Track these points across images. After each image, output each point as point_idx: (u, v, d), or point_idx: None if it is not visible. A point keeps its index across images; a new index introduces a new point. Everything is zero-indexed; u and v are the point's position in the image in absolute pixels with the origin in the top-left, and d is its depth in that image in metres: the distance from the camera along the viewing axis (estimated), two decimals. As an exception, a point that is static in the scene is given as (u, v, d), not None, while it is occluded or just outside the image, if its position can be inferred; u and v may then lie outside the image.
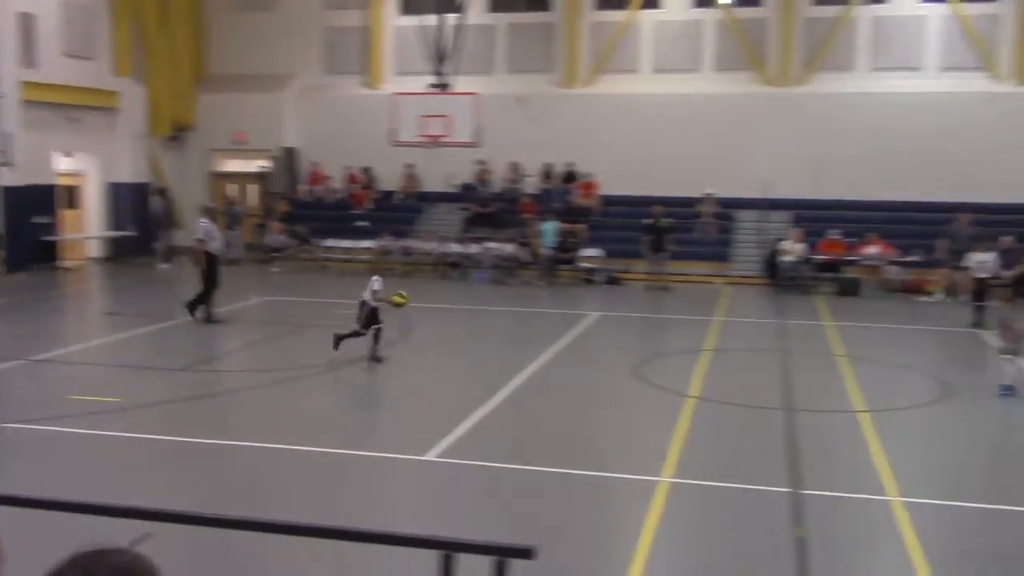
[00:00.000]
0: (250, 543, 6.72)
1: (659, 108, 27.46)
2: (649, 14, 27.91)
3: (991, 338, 13.01)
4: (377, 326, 13.97)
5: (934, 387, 13.19)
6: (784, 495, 8.74)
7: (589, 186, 27.22)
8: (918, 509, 8.49)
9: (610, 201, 27.00)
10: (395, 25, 29.30)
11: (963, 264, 19.63)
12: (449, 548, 3.69)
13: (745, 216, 26.30)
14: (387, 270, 25.62)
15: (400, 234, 26.08)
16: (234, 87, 29.46)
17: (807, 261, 23.07)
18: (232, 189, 30.26)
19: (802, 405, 12.02)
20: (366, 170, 28.97)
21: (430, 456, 9.82)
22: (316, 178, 29.43)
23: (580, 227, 25.61)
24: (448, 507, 8.69)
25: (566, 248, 24.76)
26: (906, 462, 9.97)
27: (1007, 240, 21.22)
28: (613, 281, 24.01)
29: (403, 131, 22.44)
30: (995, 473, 10.11)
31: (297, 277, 24.62)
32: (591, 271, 24.40)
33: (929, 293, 22.11)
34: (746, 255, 25.11)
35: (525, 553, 3.63)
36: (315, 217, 27.80)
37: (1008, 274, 20.95)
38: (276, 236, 26.66)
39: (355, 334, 14.09)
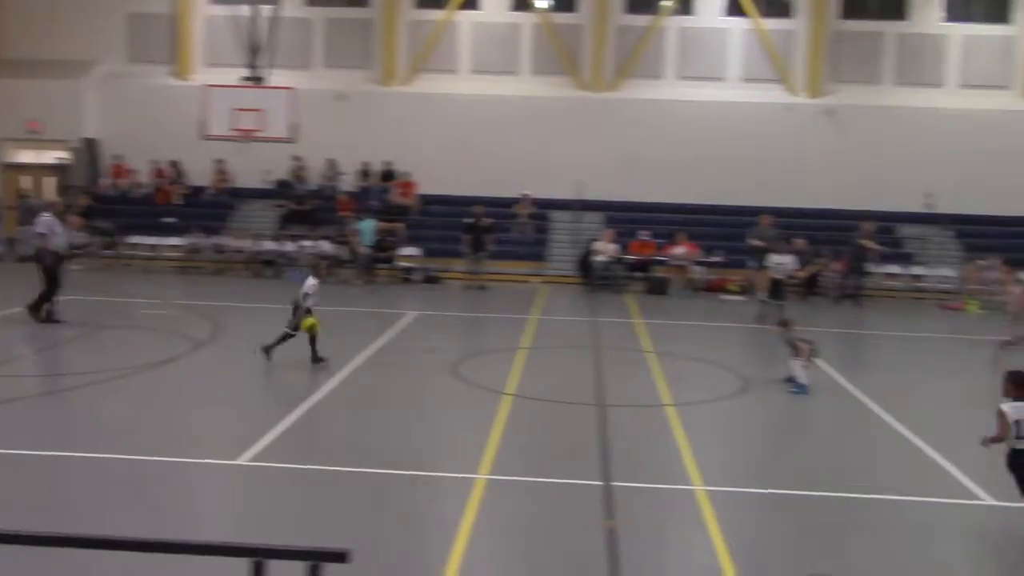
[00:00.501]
0: (41, 560, 6.31)
1: (477, 109, 27.74)
2: (468, 15, 28.14)
3: (781, 335, 13.91)
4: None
5: (735, 381, 13.92)
6: (597, 488, 9.00)
7: (407, 185, 27.16)
8: (720, 496, 8.94)
9: (428, 200, 27.04)
10: (206, 14, 28.28)
11: (764, 264, 20.81)
12: (260, 555, 3.59)
13: (560, 217, 26.94)
14: (197, 269, 24.71)
15: (211, 231, 25.20)
16: (27, 73, 27.61)
17: (619, 261, 23.87)
18: (26, 182, 28.36)
19: (614, 400, 12.42)
20: (174, 164, 27.83)
21: (241, 460, 9.53)
22: (120, 172, 28.02)
23: (398, 226, 25.52)
24: (261, 513, 8.46)
25: (384, 247, 24.61)
26: (709, 453, 10.48)
27: (801, 242, 22.64)
28: (431, 280, 24.06)
29: (214, 124, 21.65)
30: (789, 461, 10.77)
31: (99, 276, 23.35)
32: (409, 270, 24.36)
33: (731, 292, 23.31)
34: (561, 255, 25.73)
35: (339, 557, 3.58)
36: (119, 212, 26.47)
37: (802, 274, 22.38)
38: (75, 232, 25.16)
39: (286, 337, 13.65)
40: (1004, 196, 26.46)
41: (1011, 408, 8.10)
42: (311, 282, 13.84)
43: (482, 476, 9.30)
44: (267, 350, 13.68)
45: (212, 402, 12.22)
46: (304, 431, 10.85)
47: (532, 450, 10.48)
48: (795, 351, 13.47)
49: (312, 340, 13.66)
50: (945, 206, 25.69)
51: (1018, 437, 8.05)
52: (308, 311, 13.63)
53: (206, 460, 9.56)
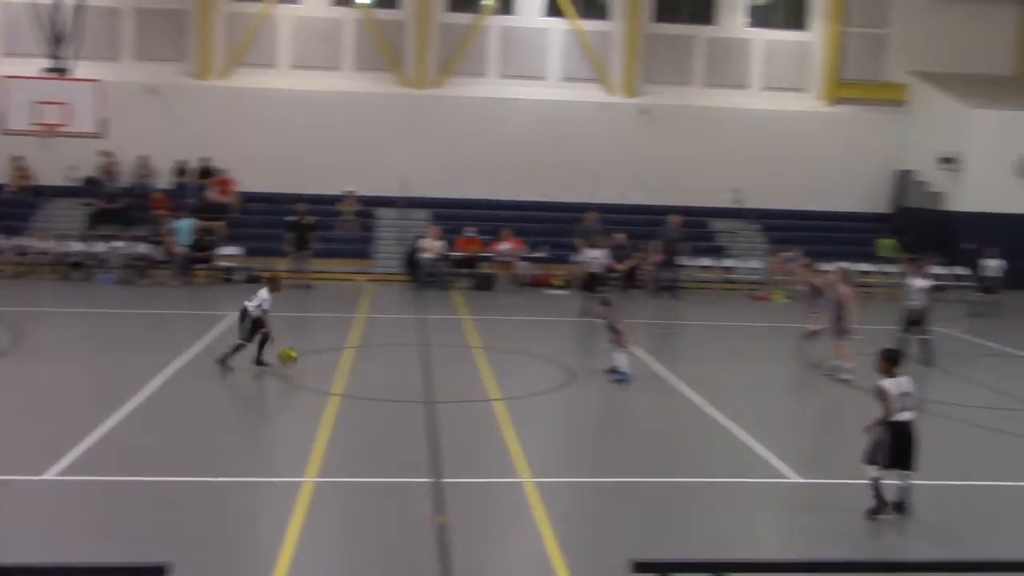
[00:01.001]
0: None
1: (299, 104, 27.18)
2: (287, 8, 27.51)
3: (601, 316, 14.44)
4: (264, 331, 13.60)
5: (560, 373, 14.23)
6: (426, 485, 9.01)
7: (226, 182, 26.31)
8: (548, 488, 9.12)
9: (249, 198, 26.28)
10: (2, 1, 26.44)
11: (581, 259, 21.36)
12: (73, 575, 3.40)
13: (386, 214, 26.76)
14: (-3, 272, 23.15)
15: (11, 232, 23.62)
16: None
17: (445, 258, 23.94)
18: None
19: (442, 397, 12.45)
20: (-32, 160, 25.89)
21: (49, 475, 8.99)
22: (-95, 168, 25.81)
23: (218, 224, 24.68)
24: (72, 529, 8.01)
25: (203, 246, 23.75)
26: (537, 445, 10.67)
27: (620, 237, 23.41)
28: (253, 280, 23.35)
29: (13, 118, 20.26)
30: (613, 449, 11.10)
31: None
32: (230, 270, 23.60)
33: (555, 286, 23.80)
34: (387, 252, 25.56)
35: (157, 571, 3.44)
36: (-95, 212, 24.39)
37: (622, 267, 23.11)
38: None
39: (238, 347, 13.54)
40: (804, 192, 28.18)
41: (891, 384, 8.61)
42: (265, 295, 13.74)
43: (309, 479, 9.13)
44: (221, 361, 13.47)
45: (13, 415, 11.44)
46: (119, 441, 10.34)
47: (361, 450, 10.38)
48: (616, 335, 13.94)
49: (262, 343, 13.65)
50: (752, 201, 27.09)
51: (902, 409, 8.55)
52: (258, 320, 13.57)
53: (9, 477, 8.96)
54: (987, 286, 22.51)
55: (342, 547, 7.92)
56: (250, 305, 13.71)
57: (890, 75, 29.29)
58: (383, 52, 27.80)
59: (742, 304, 23.04)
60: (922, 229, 26.70)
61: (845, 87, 29.03)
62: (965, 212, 26.36)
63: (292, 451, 10.11)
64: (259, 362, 13.68)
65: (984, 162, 26.42)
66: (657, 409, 12.79)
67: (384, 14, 27.79)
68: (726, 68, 28.85)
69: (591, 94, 28.32)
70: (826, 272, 20.33)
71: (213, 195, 25.99)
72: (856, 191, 28.84)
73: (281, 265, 23.52)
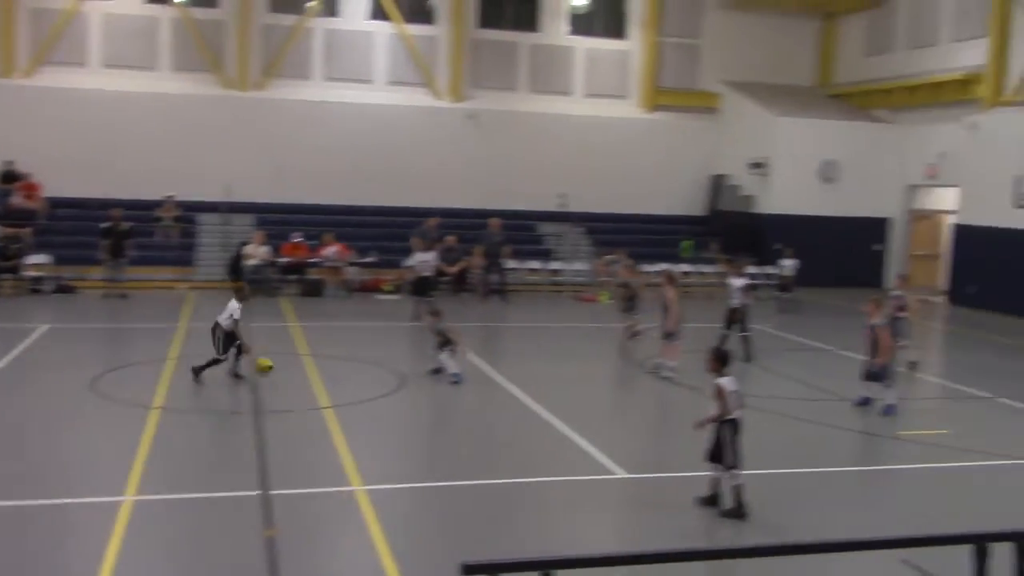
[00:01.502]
0: None
1: (112, 105, 25.92)
2: (97, 5, 26.18)
3: (431, 326, 14.47)
4: (238, 342, 13.54)
5: (391, 378, 14.13)
6: (254, 498, 8.75)
7: (32, 187, 24.77)
8: (380, 495, 9.03)
9: (58, 203, 24.85)
10: None
11: (411, 263, 21.30)
12: None
13: (208, 219, 25.87)
14: None
15: None
16: None
17: (271, 264, 23.34)
18: None
19: (270, 407, 12.13)
20: None
21: None
22: None
23: (24, 231, 23.20)
24: None
25: (8, 255, 22.27)
26: (368, 452, 10.55)
27: (451, 240, 23.48)
28: (64, 290, 22.13)
29: None
30: (445, 453, 11.11)
31: None
32: (38, 279, 22.24)
33: (385, 291, 23.63)
34: (211, 259, 24.70)
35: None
36: None
37: (452, 270, 23.18)
38: None
39: (214, 362, 13.47)
40: (626, 196, 29.11)
41: (727, 382, 8.88)
42: (235, 305, 13.62)
43: (129, 498, 8.70)
44: (196, 373, 13.38)
45: None
46: (-87, 466, 9.54)
47: (184, 465, 9.98)
48: (445, 341, 14.03)
49: (237, 354, 13.61)
50: (577, 205, 27.73)
51: (739, 407, 8.85)
52: (231, 333, 13.54)
53: None
54: (783, 284, 23.86)
55: (165, 568, 7.58)
56: (221, 318, 13.47)
57: (704, 84, 30.65)
58: (203, 53, 26.88)
59: (569, 305, 23.54)
60: (736, 231, 28.07)
61: (663, 95, 30.17)
62: (773, 214, 27.90)
63: (109, 469, 9.60)
64: (235, 374, 13.61)
65: (789, 167, 28.06)
66: (487, 411, 12.89)
67: (202, 13, 26.88)
68: (550, 75, 29.45)
69: (418, 98, 28.30)
70: (646, 274, 21.07)
71: (18, 200, 24.43)
72: (675, 195, 30.03)
73: (94, 274, 22.39)
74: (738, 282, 16.83)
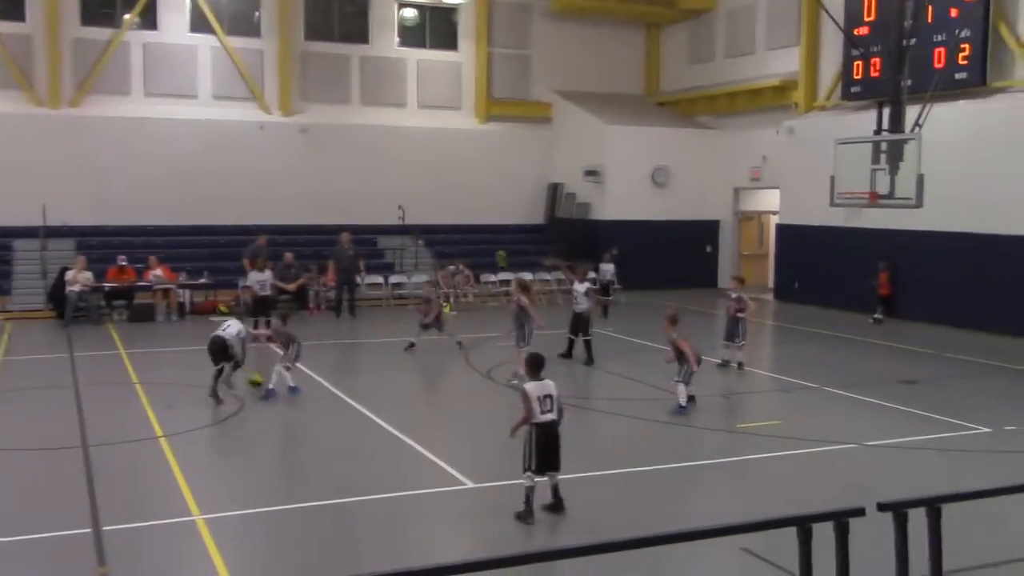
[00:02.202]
0: None
1: (-92, 126, 24.20)
2: None
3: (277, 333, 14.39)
4: (222, 364, 13.65)
5: (229, 402, 13.72)
6: (86, 536, 8.36)
7: None
8: (222, 523, 8.78)
9: None
10: None
11: (247, 283, 20.81)
12: None
13: (25, 245, 24.51)
14: None
15: None
16: None
17: (96, 290, 22.29)
18: None
19: (101, 439, 11.60)
20: None
21: None
22: None
23: None
24: None
25: None
26: (207, 480, 10.24)
27: (288, 257, 23.02)
28: None
29: None
30: (289, 475, 10.90)
31: None
32: None
33: (221, 312, 22.95)
34: (29, 287, 23.40)
35: None
36: None
37: (291, 288, 22.73)
38: None
39: (219, 373, 13.65)
40: (466, 207, 29.35)
41: (533, 387, 8.98)
42: (240, 327, 14.00)
43: (-56, 546, 8.14)
44: (213, 394, 13.60)
45: None
46: None
47: (7, 506, 9.41)
48: (284, 352, 14.12)
49: (218, 375, 13.65)
50: (418, 218, 27.68)
51: (543, 412, 8.92)
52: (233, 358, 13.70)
53: None
54: (603, 287, 24.20)
55: (-12, 617, 7.15)
56: (228, 334, 13.74)
57: (536, 94, 31.29)
58: (9, 68, 25.47)
59: (413, 318, 23.48)
60: (575, 238, 28.74)
61: (496, 105, 30.62)
62: (610, 220, 28.72)
63: (-80, 518, 8.96)
64: (213, 393, 13.65)
65: (623, 174, 28.97)
66: (331, 428, 12.72)
67: (7, 27, 25.48)
68: (382, 87, 29.39)
69: (247, 113, 27.70)
70: (490, 283, 21.33)
71: None
72: (515, 204, 30.52)
73: None
74: (581, 287, 17.24)
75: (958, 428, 12.68)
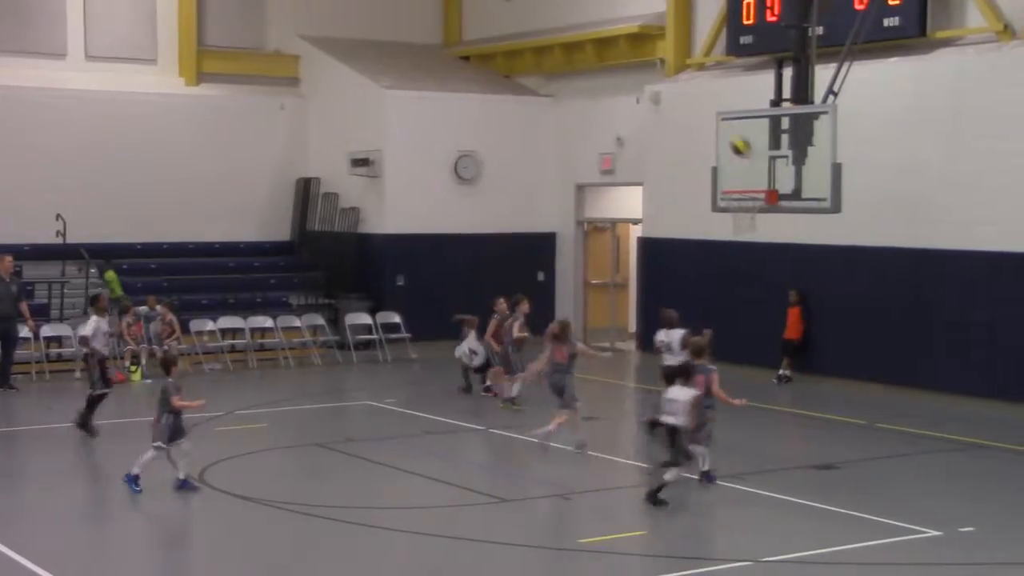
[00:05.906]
0: None
1: None
2: None
3: None
4: None
5: None
6: None
7: None
8: None
9: None
10: None
11: None
12: None
13: None
14: None
15: None
16: None
17: None
18: None
19: None
20: None
21: None
22: None
23: None
24: None
25: None
26: None
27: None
28: None
29: None
30: None
31: None
32: None
33: None
34: None
35: None
36: None
37: None
38: None
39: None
40: (161, 215, 28.66)
41: None
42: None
43: None
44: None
45: None
46: None
47: None
48: None
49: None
50: (82, 233, 26.75)
51: None
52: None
53: None
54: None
55: None
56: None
57: (275, 42, 31.13)
58: None
59: (79, 389, 22.76)
60: (338, 262, 28.56)
61: (211, 57, 30.40)
62: (390, 234, 28.70)
63: None
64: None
65: (409, 164, 28.99)
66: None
67: None
68: (28, 27, 28.37)
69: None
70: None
71: None
72: (245, 211, 30.26)
73: None
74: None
75: (896, 532, 13.07)
